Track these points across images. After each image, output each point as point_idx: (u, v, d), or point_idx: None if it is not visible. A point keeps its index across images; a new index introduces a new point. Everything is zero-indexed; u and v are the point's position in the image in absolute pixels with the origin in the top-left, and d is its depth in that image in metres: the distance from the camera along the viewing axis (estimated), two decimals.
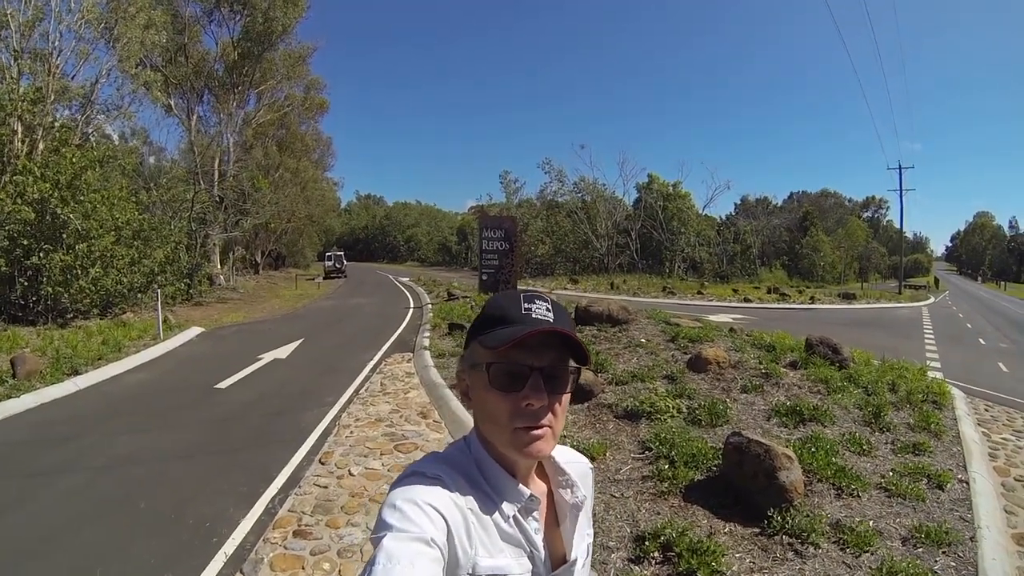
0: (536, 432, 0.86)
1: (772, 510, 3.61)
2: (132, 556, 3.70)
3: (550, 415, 0.87)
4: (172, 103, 26.20)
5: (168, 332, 12.38)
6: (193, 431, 6.30)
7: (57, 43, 15.73)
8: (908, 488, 4.28)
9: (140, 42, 17.53)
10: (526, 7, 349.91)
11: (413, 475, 0.86)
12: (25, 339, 10.73)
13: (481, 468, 0.91)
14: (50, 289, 13.02)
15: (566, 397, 0.90)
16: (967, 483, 4.64)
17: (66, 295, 13.31)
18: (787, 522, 3.54)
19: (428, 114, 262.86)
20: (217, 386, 8.29)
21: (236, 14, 26.80)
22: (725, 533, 3.58)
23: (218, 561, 3.64)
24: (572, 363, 0.90)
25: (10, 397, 7.29)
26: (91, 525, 4.14)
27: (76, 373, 8.59)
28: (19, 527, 4.11)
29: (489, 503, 0.88)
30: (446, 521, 0.79)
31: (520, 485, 0.90)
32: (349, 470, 5.07)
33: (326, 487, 4.74)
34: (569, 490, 0.98)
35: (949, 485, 4.51)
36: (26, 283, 13.40)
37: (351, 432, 6.17)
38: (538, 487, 0.96)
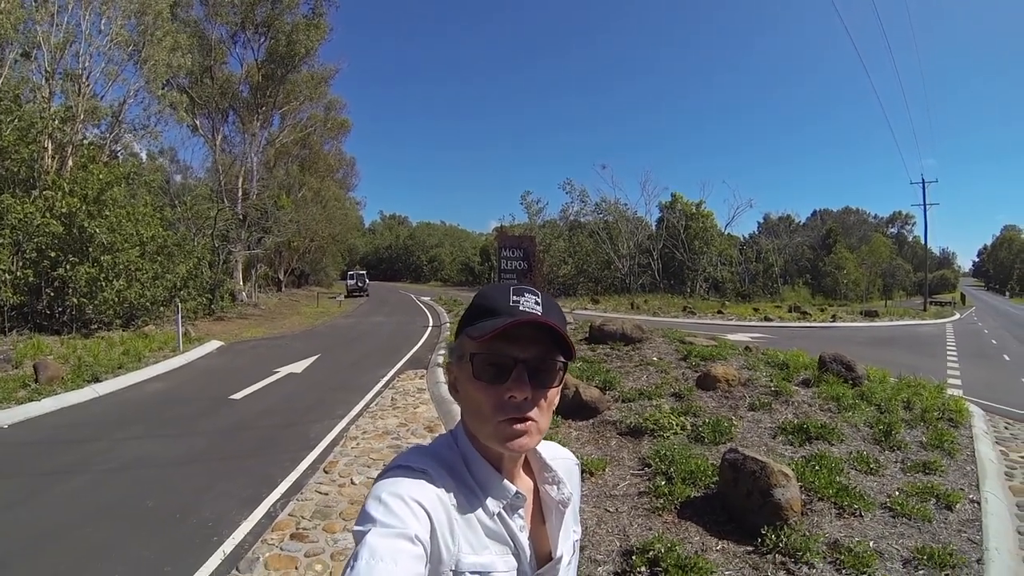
0: (519, 427, 0.84)
1: (766, 528, 3.56)
2: (134, 550, 3.87)
3: (535, 410, 0.85)
4: (198, 123, 26.93)
5: (188, 345, 12.68)
6: (204, 438, 6.45)
7: (87, 64, 16.33)
8: (914, 508, 4.15)
9: (167, 64, 18.12)
10: (549, 41, 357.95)
11: (399, 468, 0.85)
12: (49, 347, 11.08)
13: (467, 463, 0.90)
14: (75, 300, 13.46)
15: (553, 392, 0.88)
16: (978, 503, 4.49)
17: (90, 306, 13.74)
18: (781, 540, 3.48)
19: (453, 138, 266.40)
20: (231, 397, 8.46)
21: (260, 36, 27.56)
22: (717, 550, 3.54)
23: (216, 559, 3.77)
24: (560, 358, 0.88)
25: (31, 400, 7.62)
26: (97, 521, 4.31)
27: (96, 380, 8.87)
28: (28, 521, 4.30)
29: (474, 499, 0.87)
30: (430, 517, 0.78)
31: (506, 481, 0.89)
32: (351, 479, 5.15)
33: (327, 494, 4.84)
34: (555, 487, 0.97)
35: (959, 505, 4.37)
36: (52, 294, 13.86)
37: (357, 443, 6.26)
38: (524, 483, 0.95)
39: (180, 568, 3.63)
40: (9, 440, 6.35)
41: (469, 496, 0.86)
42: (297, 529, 4.16)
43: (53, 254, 13.44)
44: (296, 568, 3.63)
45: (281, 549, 3.87)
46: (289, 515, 4.41)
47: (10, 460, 5.66)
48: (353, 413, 7.59)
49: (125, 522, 4.30)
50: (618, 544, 3.64)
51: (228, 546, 3.91)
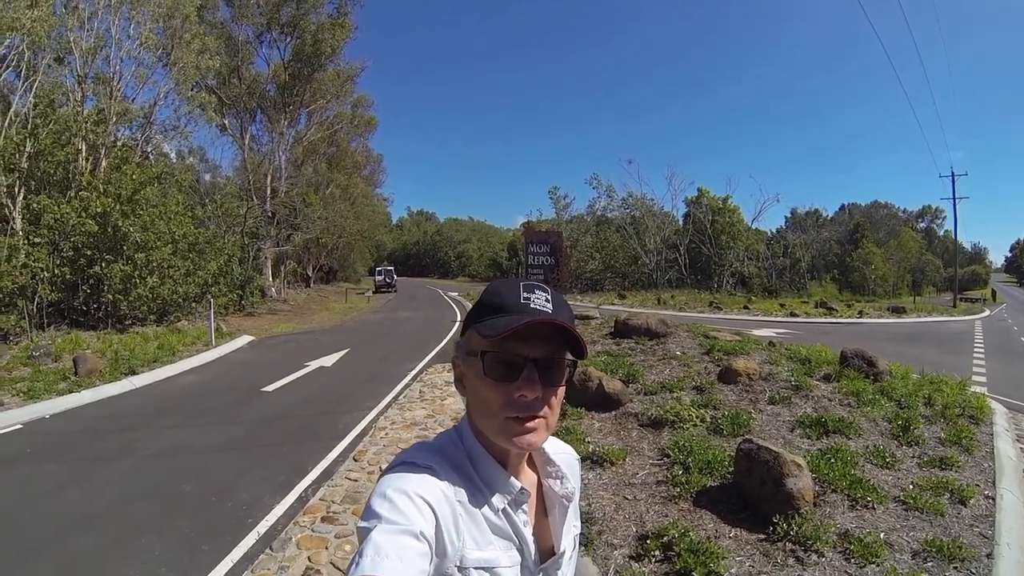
0: (529, 424, 0.85)
1: (778, 517, 3.66)
2: (174, 529, 4.14)
3: (545, 407, 0.86)
4: (226, 123, 27.53)
5: (220, 339, 13.09)
6: (238, 428, 6.75)
7: (118, 68, 16.70)
8: (927, 502, 4.16)
9: (195, 66, 18.48)
10: (573, 37, 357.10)
11: (404, 464, 0.85)
12: (86, 342, 11.55)
13: (472, 459, 0.90)
14: (111, 296, 13.92)
15: (561, 390, 0.89)
16: (993, 499, 4.49)
17: (125, 302, 14.20)
18: (792, 529, 3.57)
19: (482, 134, 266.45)
20: (263, 389, 8.77)
21: (286, 36, 28.05)
22: (729, 537, 3.66)
23: (251, 538, 4.02)
24: (569, 356, 0.88)
25: (71, 392, 8.01)
26: (139, 502, 4.61)
27: (133, 373, 9.27)
28: (74, 502, 4.61)
29: (479, 495, 0.87)
30: (435, 513, 0.78)
31: (511, 478, 0.89)
32: (380, 467, 5.38)
33: (356, 480, 5.09)
34: (559, 481, 0.97)
35: (973, 501, 4.36)
36: (88, 291, 14.38)
37: (386, 433, 6.52)
38: (528, 478, 0.96)
39: (217, 546, 3.89)
40: (52, 430, 6.70)
41: (474, 492, 0.87)
42: (328, 512, 4.41)
43: (89, 252, 13.90)
44: (326, 548, 3.87)
45: (312, 531, 4.11)
46: (320, 499, 4.67)
47: (54, 448, 6.01)
48: (382, 404, 7.84)
49: (165, 504, 4.59)
50: (634, 529, 3.79)
51: (262, 527, 4.18)
